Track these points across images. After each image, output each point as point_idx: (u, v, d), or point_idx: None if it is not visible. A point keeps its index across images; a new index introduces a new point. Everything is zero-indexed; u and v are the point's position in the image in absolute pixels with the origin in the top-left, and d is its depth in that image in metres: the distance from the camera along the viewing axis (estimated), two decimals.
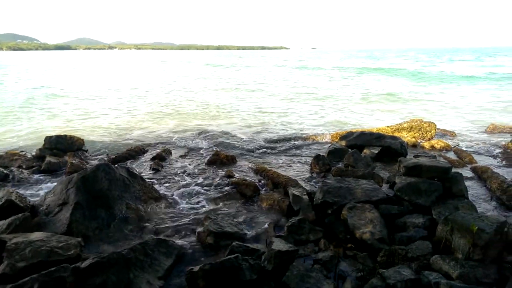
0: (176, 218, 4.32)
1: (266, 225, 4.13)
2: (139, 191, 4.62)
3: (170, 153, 6.98)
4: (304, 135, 8.26)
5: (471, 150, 7.17)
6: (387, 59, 53.27)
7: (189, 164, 6.39)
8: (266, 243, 3.54)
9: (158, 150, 6.97)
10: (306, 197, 4.39)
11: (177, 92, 18.37)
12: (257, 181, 5.35)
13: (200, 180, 5.57)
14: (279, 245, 3.21)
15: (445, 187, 4.35)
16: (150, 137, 8.59)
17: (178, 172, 5.95)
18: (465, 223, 3.13)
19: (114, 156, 6.57)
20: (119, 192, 4.37)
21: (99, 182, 4.28)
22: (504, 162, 6.45)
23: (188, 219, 4.28)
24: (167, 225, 4.16)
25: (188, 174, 5.80)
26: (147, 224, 4.15)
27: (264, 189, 5.15)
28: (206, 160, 6.42)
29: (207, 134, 8.69)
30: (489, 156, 6.89)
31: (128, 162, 6.42)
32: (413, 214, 4.00)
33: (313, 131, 9.02)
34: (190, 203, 4.73)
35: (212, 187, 5.29)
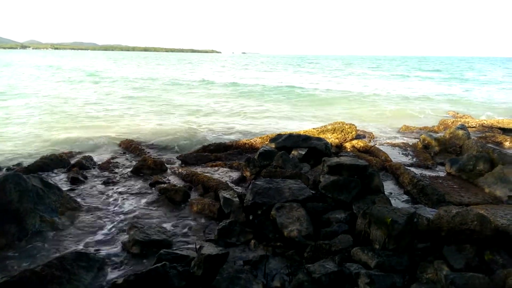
0: (98, 229, 4.04)
1: (196, 230, 4.07)
2: (56, 202, 4.23)
3: (92, 160, 6.52)
4: (234, 140, 8.31)
5: (387, 149, 7.85)
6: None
7: (113, 171, 6.03)
8: (196, 249, 3.48)
9: (78, 158, 6.48)
10: (236, 199, 4.41)
11: (98, 98, 17.27)
12: (187, 186, 5.24)
13: (125, 187, 5.29)
14: (209, 249, 3.17)
15: (364, 183, 4.68)
16: (70, 144, 7.95)
17: (101, 180, 5.58)
18: (380, 215, 3.39)
19: (26, 166, 5.95)
20: (32, 204, 3.96)
21: (8, 195, 3.84)
22: (414, 159, 7.16)
23: (111, 229, 4.03)
24: (88, 237, 3.87)
25: (112, 182, 5.47)
26: (65, 237, 3.82)
27: (194, 194, 5.06)
28: (132, 166, 6.12)
29: (134, 141, 8.29)
30: (402, 154, 7.60)
31: (44, 172, 5.86)
32: (336, 210, 4.23)
33: (243, 135, 9.13)
34: (114, 213, 4.47)
35: (139, 194, 5.07)
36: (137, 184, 5.47)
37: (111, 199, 4.86)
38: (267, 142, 7.63)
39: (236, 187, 5.12)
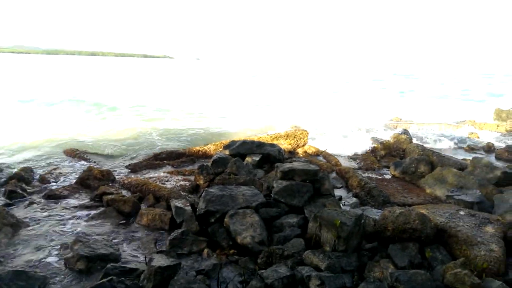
0: (39, 245, 3.76)
1: (146, 242, 3.92)
2: None
3: (32, 171, 6.07)
4: (187, 147, 8.17)
5: (337, 153, 8.13)
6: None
7: (56, 183, 5.67)
8: (146, 261, 3.35)
9: (16, 170, 6.00)
10: (189, 208, 4.32)
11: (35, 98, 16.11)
12: (136, 196, 5.04)
13: (69, 200, 4.99)
14: (159, 261, 3.07)
15: (315, 187, 4.80)
16: (6, 154, 7.35)
17: (43, 192, 5.21)
18: (330, 218, 3.49)
19: None
20: None
21: None
22: (362, 163, 7.48)
23: (54, 245, 3.77)
24: (27, 254, 3.59)
25: (55, 195, 5.12)
26: (1, 255, 3.51)
27: (144, 204, 4.89)
28: (77, 177, 5.78)
29: (78, 149, 7.83)
30: (351, 158, 7.92)
31: None
32: (289, 214, 4.30)
33: (196, 142, 9.00)
34: (57, 227, 4.18)
35: (84, 207, 4.80)
36: (83, 196, 5.19)
37: (53, 213, 4.55)
38: (221, 149, 7.59)
39: (189, 195, 5.02)
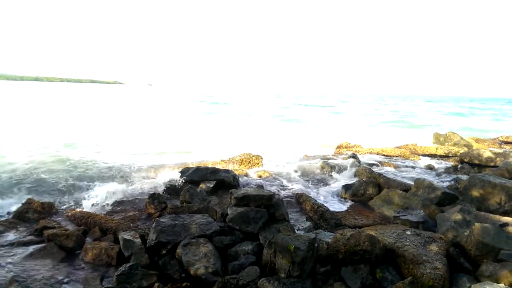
0: None
1: (91, 279, 3.64)
2: None
3: None
4: (137, 174, 7.87)
5: (290, 176, 8.25)
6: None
7: None
8: None
9: None
10: (138, 240, 4.11)
11: None
12: (81, 230, 4.71)
13: (5, 236, 4.54)
14: None
15: (270, 213, 4.81)
16: None
17: None
18: (284, 244, 3.48)
19: None
20: None
21: None
22: (314, 184, 7.65)
23: None
24: None
25: None
26: None
27: (90, 238, 4.57)
28: (14, 210, 5.30)
29: (12, 177, 7.22)
30: (306, 181, 8.07)
31: None
32: (243, 242, 4.24)
33: (146, 170, 8.71)
34: None
35: (22, 243, 4.38)
36: (21, 231, 4.75)
37: None
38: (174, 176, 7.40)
39: (138, 226, 4.78)
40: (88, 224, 4.85)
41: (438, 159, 10.50)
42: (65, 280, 3.65)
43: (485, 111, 49.56)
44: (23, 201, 5.42)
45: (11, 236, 4.60)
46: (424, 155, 10.97)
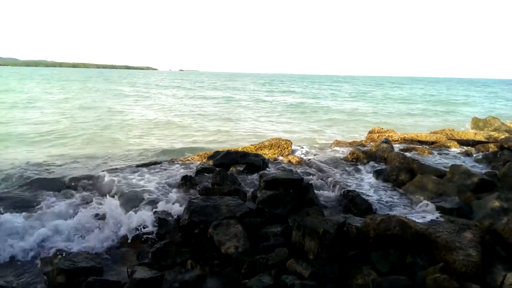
0: (18, 261, 3.65)
1: (129, 255, 3.86)
2: None
3: None
4: (171, 158, 8.12)
5: (320, 162, 8.21)
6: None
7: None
8: (128, 274, 3.29)
9: None
10: (172, 219, 4.29)
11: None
12: None
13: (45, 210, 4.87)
14: (142, 273, 3.04)
15: (299, 196, 4.84)
16: None
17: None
18: (313, 226, 3.52)
19: None
20: None
21: None
22: (344, 170, 7.58)
23: (33, 260, 3.67)
24: (4, 271, 3.48)
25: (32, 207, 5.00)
26: None
27: None
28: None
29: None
30: (334, 166, 8.01)
31: None
32: (273, 224, 4.31)
33: (181, 153, 8.98)
34: (36, 241, 4.07)
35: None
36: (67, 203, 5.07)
37: (28, 222, 4.42)
38: (205, 160, 7.59)
39: (171, 206, 4.96)
40: None
41: (477, 145, 10.04)
42: (106, 254, 3.89)
43: None
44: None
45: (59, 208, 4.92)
46: (462, 140, 10.51)
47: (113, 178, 6.25)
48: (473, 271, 3.15)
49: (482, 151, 9.28)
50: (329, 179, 6.52)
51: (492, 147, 9.41)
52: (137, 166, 7.22)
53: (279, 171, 7.04)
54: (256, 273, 3.29)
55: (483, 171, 7.00)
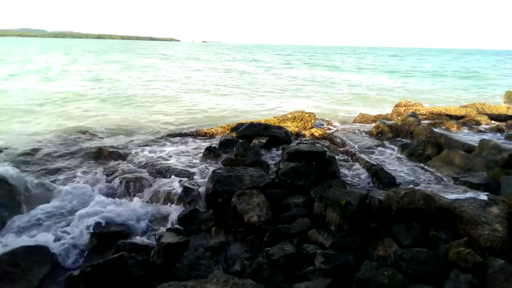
0: (53, 222, 3.89)
1: (157, 220, 4.03)
2: (3, 196, 4.00)
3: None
4: (196, 128, 8.24)
5: (344, 135, 8.13)
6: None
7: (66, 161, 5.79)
8: (155, 238, 3.45)
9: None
10: (197, 188, 4.41)
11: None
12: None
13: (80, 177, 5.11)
14: (169, 238, 3.17)
15: (321, 169, 4.84)
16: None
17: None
18: (335, 198, 3.54)
19: None
20: None
21: None
22: (368, 144, 7.48)
23: (68, 222, 3.89)
24: (43, 229, 3.72)
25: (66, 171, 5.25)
26: (15, 231, 3.65)
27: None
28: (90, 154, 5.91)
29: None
30: (358, 140, 7.91)
31: None
32: (295, 195, 4.36)
33: (205, 124, 9.10)
34: (71, 205, 4.30)
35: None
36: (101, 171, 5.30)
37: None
38: (228, 131, 7.65)
39: (197, 175, 5.09)
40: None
41: (509, 120, 9.62)
42: (135, 218, 4.06)
43: None
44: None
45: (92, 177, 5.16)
46: (493, 115, 10.09)
47: (140, 150, 6.46)
48: (498, 246, 3.11)
49: None
50: (352, 152, 6.47)
51: None
52: (162, 137, 7.38)
53: (302, 143, 7.03)
54: (278, 242, 3.38)
55: None
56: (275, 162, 5.77)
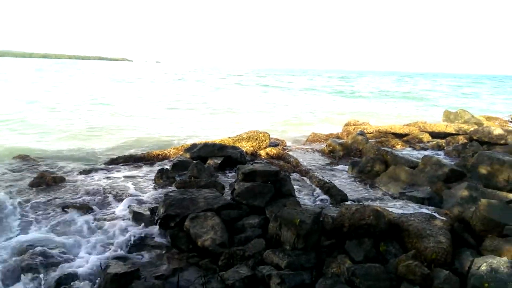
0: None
1: (104, 247, 3.77)
2: None
3: None
4: (147, 151, 7.97)
5: (298, 154, 8.29)
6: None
7: None
8: (101, 267, 3.22)
9: None
10: (148, 213, 4.23)
11: None
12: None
13: None
14: (116, 267, 2.98)
15: (276, 188, 4.86)
16: None
17: None
18: (290, 217, 3.55)
19: None
20: None
21: None
22: (320, 163, 7.68)
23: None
24: None
25: None
26: None
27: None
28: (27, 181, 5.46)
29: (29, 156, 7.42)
30: (311, 158, 8.10)
31: None
32: (250, 215, 4.32)
33: (157, 146, 8.84)
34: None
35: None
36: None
37: None
38: (181, 152, 7.49)
39: (148, 200, 4.89)
40: None
41: (448, 137, 10.39)
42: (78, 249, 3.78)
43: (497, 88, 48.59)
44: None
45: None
46: (434, 132, 10.85)
47: (87, 175, 6.10)
48: (443, 258, 3.27)
49: (453, 143, 9.62)
50: (306, 170, 6.59)
51: (461, 139, 9.77)
52: (111, 161, 7.03)
53: (257, 163, 7.05)
54: (233, 265, 3.30)
55: (453, 162, 7.26)
56: (230, 182, 5.71)
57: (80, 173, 6.28)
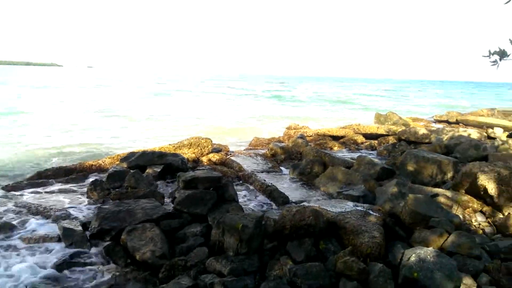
0: None
1: (31, 267, 3.42)
2: None
3: None
4: (79, 162, 7.45)
5: (240, 159, 8.30)
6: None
7: None
8: None
9: None
10: (79, 228, 3.93)
11: None
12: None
13: None
14: None
15: (219, 194, 4.80)
16: None
17: None
18: (232, 223, 3.52)
19: None
20: None
21: None
22: (264, 167, 7.77)
23: None
24: None
25: None
26: None
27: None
28: None
29: None
30: (254, 163, 8.16)
31: None
32: (192, 224, 4.21)
33: (89, 156, 8.31)
34: None
35: None
36: None
37: None
38: (117, 162, 7.11)
39: (79, 214, 4.56)
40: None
41: (379, 138, 11.11)
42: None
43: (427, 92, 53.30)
44: None
45: None
46: (367, 134, 11.54)
47: (8, 193, 5.52)
48: (377, 251, 3.45)
49: (384, 143, 10.31)
50: (249, 175, 6.62)
51: (391, 139, 10.52)
52: (39, 174, 6.44)
53: (199, 170, 6.93)
54: (174, 276, 3.18)
55: (384, 161, 7.77)
56: (171, 191, 5.53)
57: (2, 189, 5.67)
